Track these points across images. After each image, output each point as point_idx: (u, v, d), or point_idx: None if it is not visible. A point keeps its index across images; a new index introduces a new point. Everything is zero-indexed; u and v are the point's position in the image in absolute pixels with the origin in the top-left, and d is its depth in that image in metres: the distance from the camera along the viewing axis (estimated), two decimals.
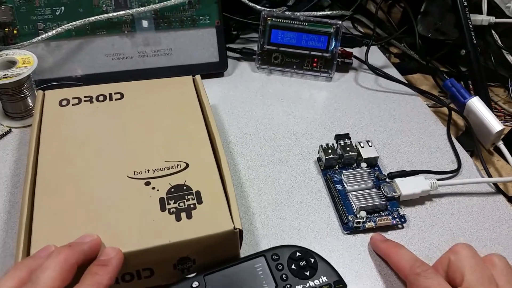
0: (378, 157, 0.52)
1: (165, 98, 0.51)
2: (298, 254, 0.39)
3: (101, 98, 0.50)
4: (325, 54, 0.66)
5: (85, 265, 0.34)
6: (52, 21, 0.60)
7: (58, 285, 0.31)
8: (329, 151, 0.51)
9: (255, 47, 0.69)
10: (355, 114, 0.62)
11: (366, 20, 0.84)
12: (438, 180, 0.50)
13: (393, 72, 0.71)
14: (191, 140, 0.46)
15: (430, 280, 0.36)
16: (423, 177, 0.50)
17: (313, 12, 0.72)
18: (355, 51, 0.72)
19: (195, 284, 0.36)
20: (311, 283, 0.38)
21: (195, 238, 0.37)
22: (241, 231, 0.38)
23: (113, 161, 0.43)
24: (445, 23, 0.74)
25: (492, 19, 0.70)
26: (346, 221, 0.46)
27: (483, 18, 0.70)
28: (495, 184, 0.52)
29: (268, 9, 0.70)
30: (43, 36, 0.59)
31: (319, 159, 0.53)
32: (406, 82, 0.68)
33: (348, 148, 0.52)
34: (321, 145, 0.52)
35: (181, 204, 0.39)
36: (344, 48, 0.70)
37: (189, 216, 0.38)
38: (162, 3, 0.62)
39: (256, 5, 0.69)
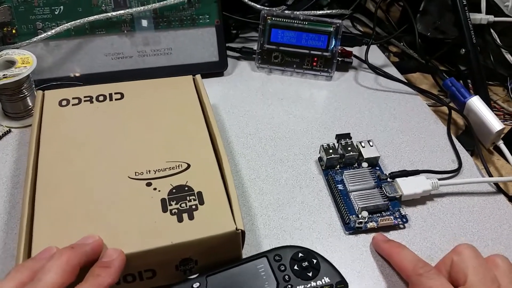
0: (379, 156, 0.52)
1: (166, 98, 0.51)
2: (300, 254, 0.39)
3: (101, 98, 0.50)
4: (325, 53, 0.66)
5: (87, 267, 0.33)
6: (51, 20, 0.60)
7: (60, 286, 0.31)
8: (330, 150, 0.51)
9: (254, 46, 0.69)
10: (355, 113, 0.62)
11: (365, 19, 0.84)
12: (439, 179, 0.50)
13: (393, 71, 0.71)
14: (192, 141, 0.46)
15: (433, 280, 0.36)
16: (424, 177, 0.50)
17: (312, 11, 0.72)
18: (355, 50, 0.72)
19: (198, 284, 0.36)
20: (314, 284, 0.37)
21: (197, 239, 0.37)
22: (243, 232, 0.38)
23: (113, 162, 0.43)
24: (444, 22, 0.74)
25: (491, 18, 0.70)
26: (348, 221, 0.46)
27: (482, 17, 0.70)
28: (496, 184, 0.52)
29: (267, 8, 0.69)
30: (42, 35, 0.58)
31: (320, 159, 0.53)
32: (406, 81, 0.68)
33: (349, 148, 0.52)
34: (322, 145, 0.52)
35: (183, 205, 0.39)
36: (344, 47, 0.70)
37: (191, 217, 0.38)
38: (161, 2, 0.61)
39: (255, 4, 0.69)
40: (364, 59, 0.69)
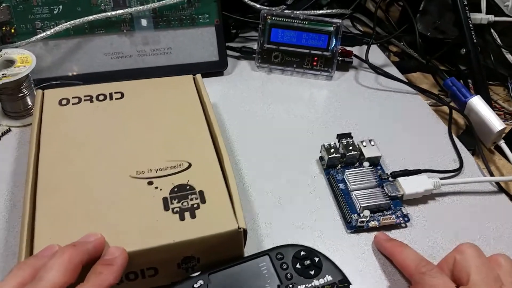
0: (380, 156, 0.52)
1: (166, 97, 0.51)
2: (302, 253, 0.39)
3: (101, 97, 0.50)
4: (325, 53, 0.66)
5: (89, 265, 0.33)
6: (50, 20, 0.60)
7: (62, 285, 0.30)
8: (332, 150, 0.51)
9: (254, 46, 0.69)
10: (355, 113, 0.62)
11: (365, 18, 0.84)
12: (440, 179, 0.50)
13: (393, 70, 0.71)
14: (193, 140, 0.46)
15: (436, 279, 0.36)
16: (426, 176, 0.50)
17: (312, 11, 0.72)
18: (355, 50, 0.72)
19: (200, 282, 0.36)
20: (316, 282, 0.37)
21: (199, 238, 0.37)
22: (245, 231, 0.38)
23: (114, 161, 0.43)
24: (444, 21, 0.74)
25: (491, 17, 0.69)
26: (349, 220, 0.46)
27: (482, 17, 0.70)
28: (498, 183, 0.52)
29: (267, 7, 0.69)
30: (41, 35, 0.58)
31: (321, 158, 0.53)
32: (406, 81, 0.68)
33: (350, 147, 0.52)
34: (323, 144, 0.52)
35: (185, 203, 0.39)
36: (344, 47, 0.70)
37: (193, 216, 0.38)
38: (161, 2, 0.61)
39: (255, 4, 0.69)
40: (364, 58, 0.69)
